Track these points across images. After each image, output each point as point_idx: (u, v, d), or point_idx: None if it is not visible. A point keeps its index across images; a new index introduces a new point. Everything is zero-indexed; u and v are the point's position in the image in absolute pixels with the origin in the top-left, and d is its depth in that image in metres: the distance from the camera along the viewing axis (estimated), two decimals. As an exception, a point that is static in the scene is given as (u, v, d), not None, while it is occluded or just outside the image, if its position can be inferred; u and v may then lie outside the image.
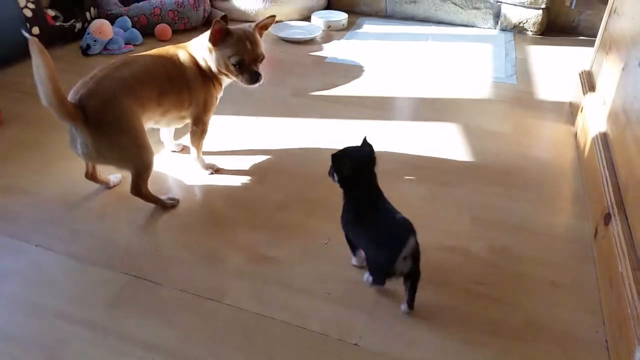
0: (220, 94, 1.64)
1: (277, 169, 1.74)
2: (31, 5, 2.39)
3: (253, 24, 1.52)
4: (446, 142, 1.90)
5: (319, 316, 1.19)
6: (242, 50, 1.48)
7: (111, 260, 1.34)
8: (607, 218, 1.33)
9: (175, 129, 1.78)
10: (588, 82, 2.01)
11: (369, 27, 3.09)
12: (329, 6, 3.30)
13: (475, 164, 1.79)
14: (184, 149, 1.80)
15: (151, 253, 1.37)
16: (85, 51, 2.53)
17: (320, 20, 3.02)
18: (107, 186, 1.60)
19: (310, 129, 1.98)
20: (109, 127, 1.35)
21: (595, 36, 2.07)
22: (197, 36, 1.56)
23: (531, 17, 2.94)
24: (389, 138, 1.93)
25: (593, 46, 2.08)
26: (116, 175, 1.62)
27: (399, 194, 1.59)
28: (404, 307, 1.20)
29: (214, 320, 1.18)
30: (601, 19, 2.03)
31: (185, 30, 2.82)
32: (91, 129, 1.33)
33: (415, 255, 1.13)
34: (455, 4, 3.07)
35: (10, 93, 2.15)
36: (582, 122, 1.89)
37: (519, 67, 2.55)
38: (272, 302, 1.22)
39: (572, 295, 1.27)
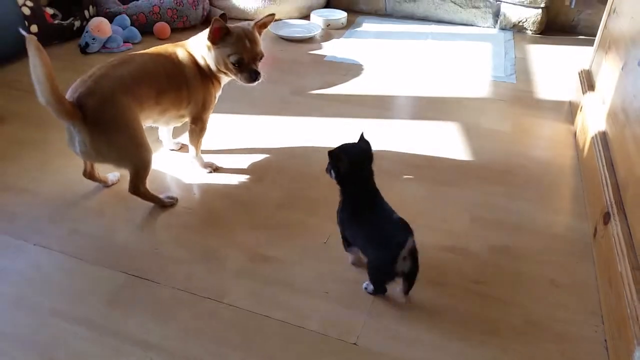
0: (219, 93, 1.64)
1: (276, 167, 1.73)
2: (29, 3, 2.38)
3: (252, 23, 1.52)
4: (445, 141, 1.90)
5: (318, 316, 1.19)
6: (242, 49, 1.47)
7: (109, 259, 1.33)
8: (607, 217, 1.33)
9: (174, 127, 1.77)
10: (587, 81, 2.01)
11: (368, 25, 3.09)
12: (328, 5, 3.29)
13: (474, 163, 1.78)
14: (183, 148, 1.79)
15: (150, 252, 1.36)
16: (84, 49, 2.52)
17: (319, 18, 3.01)
18: (106, 185, 1.59)
19: (309, 128, 1.98)
20: (107, 126, 1.34)
21: (595, 35, 2.07)
22: (196, 34, 1.56)
23: (530, 16, 2.94)
24: (388, 137, 1.92)
25: (592, 45, 2.08)
26: (114, 174, 1.61)
27: (398, 193, 1.59)
28: (398, 289, 1.19)
29: (212, 320, 1.17)
30: (600, 19, 2.03)
31: (184, 28, 2.81)
32: (89, 127, 1.32)
33: (414, 255, 1.13)
34: (455, 3, 3.07)
35: (8, 91, 2.14)
36: (581, 121, 1.89)
37: (519, 66, 2.55)
38: (271, 301, 1.22)
39: (571, 294, 1.26)
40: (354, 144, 1.24)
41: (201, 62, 1.53)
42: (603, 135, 1.62)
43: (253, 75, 1.51)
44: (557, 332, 1.16)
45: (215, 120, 1.72)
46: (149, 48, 1.56)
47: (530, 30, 2.98)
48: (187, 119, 1.62)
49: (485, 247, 1.40)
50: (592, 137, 1.67)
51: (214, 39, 1.46)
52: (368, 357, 1.10)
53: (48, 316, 1.17)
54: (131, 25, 2.70)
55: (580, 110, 1.94)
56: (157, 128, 1.76)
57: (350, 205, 1.24)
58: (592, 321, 1.19)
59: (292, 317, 1.18)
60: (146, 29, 2.74)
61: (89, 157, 1.43)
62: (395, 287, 1.20)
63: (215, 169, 1.70)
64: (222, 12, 2.90)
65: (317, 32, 2.87)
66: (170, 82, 1.49)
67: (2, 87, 2.17)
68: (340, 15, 3.06)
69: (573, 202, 1.61)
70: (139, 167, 1.44)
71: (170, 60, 1.51)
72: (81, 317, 1.17)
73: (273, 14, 1.56)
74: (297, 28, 2.94)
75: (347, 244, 1.29)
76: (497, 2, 2.98)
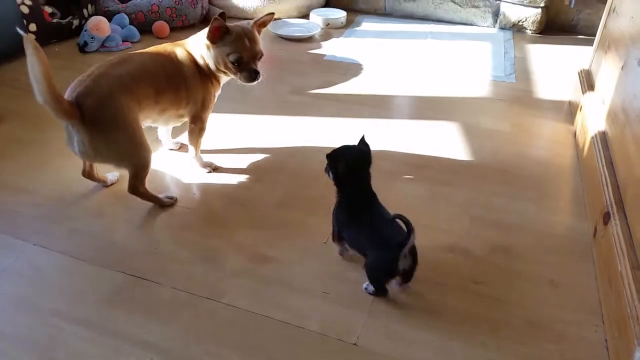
0: (218, 92, 1.63)
1: (276, 167, 1.73)
2: (28, 2, 2.37)
3: (252, 22, 1.52)
4: (445, 141, 1.90)
5: (318, 316, 1.18)
6: (241, 48, 1.47)
7: (108, 258, 1.33)
8: (606, 217, 1.33)
9: (173, 127, 1.77)
10: (587, 81, 2.01)
11: (368, 25, 3.08)
12: (327, 4, 3.29)
13: (474, 163, 1.78)
14: (182, 147, 1.79)
15: (149, 252, 1.36)
16: (83, 48, 2.52)
17: (319, 17, 3.01)
18: (105, 184, 1.59)
19: (309, 127, 1.97)
20: (106, 125, 1.34)
21: (595, 35, 2.06)
22: (195, 33, 1.56)
23: (530, 15, 2.94)
24: (388, 136, 1.92)
25: (592, 45, 2.08)
26: (114, 174, 1.61)
27: (397, 193, 1.59)
28: (393, 282, 1.20)
29: (212, 320, 1.17)
30: (600, 18, 2.03)
31: (183, 27, 2.81)
32: (88, 127, 1.32)
33: (413, 251, 1.15)
34: (455, 3, 3.06)
35: (7, 90, 2.14)
36: (581, 121, 1.89)
37: (518, 66, 2.55)
38: (270, 301, 1.22)
39: (571, 294, 1.26)
40: (353, 146, 1.25)
41: (200, 61, 1.53)
42: (603, 135, 1.62)
43: (252, 75, 1.51)
44: (557, 332, 1.16)
45: (214, 120, 1.72)
46: (148, 47, 1.55)
47: (530, 29, 2.97)
48: (186, 119, 1.62)
49: (485, 247, 1.40)
50: (592, 137, 1.67)
51: (213, 38, 1.46)
52: (368, 357, 1.10)
53: (47, 316, 1.17)
54: (130, 24, 2.70)
55: (580, 110, 1.94)
56: (156, 128, 1.76)
57: (347, 206, 1.24)
58: (592, 321, 1.19)
59: (292, 317, 1.18)
60: (145, 27, 2.73)
61: (88, 156, 1.43)
62: (391, 282, 1.21)
63: (215, 169, 1.70)
64: (221, 10, 2.88)
65: (316, 31, 2.87)
66: (169, 82, 1.49)
67: (1, 86, 2.17)
68: (339, 14, 3.05)
69: (573, 202, 1.61)
70: (138, 166, 1.44)
71: (170, 60, 1.50)
72: (80, 317, 1.17)
73: (272, 13, 1.56)
74: (297, 27, 2.93)
75: (338, 236, 1.30)
76: (497, 2, 2.98)
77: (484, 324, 1.17)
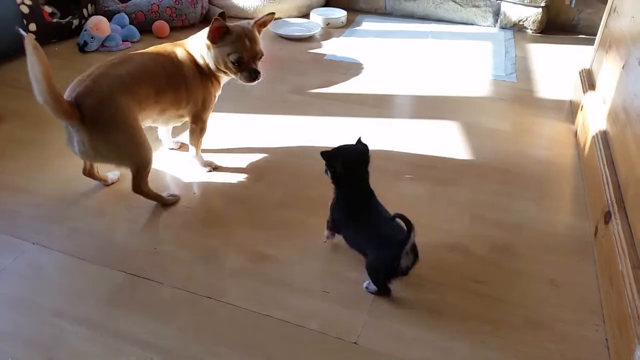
0: (219, 92, 1.63)
1: (276, 166, 1.73)
2: (28, 2, 2.37)
3: (252, 22, 1.51)
4: (446, 140, 1.90)
5: (318, 315, 1.18)
6: (241, 48, 1.47)
7: (109, 258, 1.33)
8: (607, 216, 1.32)
9: (173, 126, 1.77)
10: (588, 81, 2.01)
11: (368, 24, 3.08)
12: (327, 3, 3.29)
13: (474, 162, 1.78)
14: (182, 147, 1.79)
15: (149, 251, 1.36)
16: (83, 48, 2.52)
17: (319, 17, 3.00)
18: (106, 184, 1.59)
19: (309, 127, 1.97)
20: (106, 125, 1.34)
21: (595, 35, 2.06)
22: (195, 33, 1.55)
23: (531, 15, 2.94)
24: (388, 136, 1.92)
25: (593, 44, 2.07)
26: (114, 173, 1.61)
27: (398, 193, 1.59)
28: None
29: (212, 319, 1.17)
30: (601, 18, 2.02)
31: (183, 27, 2.81)
32: (88, 127, 1.31)
33: (414, 248, 1.15)
34: (455, 2, 3.06)
35: (7, 89, 2.14)
36: (582, 120, 1.89)
37: (519, 65, 2.55)
38: (270, 300, 1.22)
39: (572, 294, 1.26)
40: (351, 145, 1.26)
41: (200, 61, 1.52)
42: (604, 135, 1.62)
43: (253, 75, 1.51)
44: (558, 332, 1.16)
45: (214, 119, 1.72)
46: (148, 47, 1.55)
47: (531, 29, 2.97)
48: (186, 119, 1.62)
49: (486, 247, 1.40)
50: (593, 136, 1.66)
51: (213, 38, 1.46)
52: (368, 357, 1.10)
53: (48, 315, 1.17)
54: (130, 23, 2.70)
55: (581, 110, 1.93)
56: (156, 127, 1.76)
57: (345, 205, 1.25)
58: (593, 320, 1.19)
59: (292, 317, 1.17)
60: (145, 27, 2.73)
61: (88, 156, 1.43)
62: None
63: (215, 168, 1.70)
64: (221, 10, 2.88)
65: (316, 30, 2.87)
66: (169, 82, 1.48)
67: (1, 86, 2.17)
68: (340, 14, 3.05)
69: (574, 201, 1.61)
70: (139, 165, 1.43)
71: (170, 60, 1.50)
72: (81, 316, 1.17)
73: (273, 13, 1.56)
74: (297, 27, 2.93)
75: (333, 225, 1.31)
76: (497, 1, 2.98)
77: (485, 323, 1.17)
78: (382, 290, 1.21)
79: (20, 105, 2.00)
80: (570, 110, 2.13)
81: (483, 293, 1.25)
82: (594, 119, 1.74)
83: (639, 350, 0.97)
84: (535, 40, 2.88)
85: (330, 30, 2.96)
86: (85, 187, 1.58)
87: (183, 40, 1.56)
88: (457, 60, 2.60)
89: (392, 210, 1.20)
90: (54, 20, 2.56)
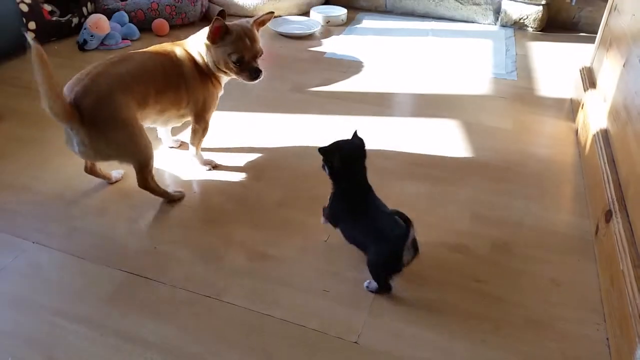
0: (220, 92, 1.62)
1: (276, 165, 1.72)
2: (27, 0, 2.37)
3: (251, 20, 1.51)
4: (446, 139, 1.89)
5: (318, 314, 1.18)
6: (242, 48, 1.46)
7: (109, 257, 1.33)
8: (608, 215, 1.32)
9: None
10: (589, 79, 2.00)
11: (368, 22, 3.08)
12: (328, 1, 3.28)
13: (475, 161, 1.78)
14: (182, 145, 1.79)
15: (149, 250, 1.36)
16: (82, 46, 2.51)
17: (319, 15, 3.00)
18: (110, 181, 1.59)
19: (309, 125, 1.97)
20: (105, 124, 1.33)
21: (596, 33, 2.06)
22: (194, 31, 1.55)
23: (531, 13, 2.93)
24: (389, 134, 1.92)
25: (593, 43, 2.07)
26: (119, 171, 1.60)
27: (398, 191, 1.59)
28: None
29: (212, 318, 1.17)
30: (601, 16, 2.02)
31: (182, 25, 2.80)
32: (87, 127, 1.31)
33: (414, 243, 1.15)
34: (456, 0, 3.05)
35: (7, 88, 2.13)
36: (583, 118, 1.88)
37: (520, 63, 2.54)
38: (270, 299, 1.22)
39: (572, 292, 1.26)
40: (347, 140, 1.27)
41: (200, 61, 1.52)
42: (605, 133, 1.61)
43: (254, 74, 1.51)
44: (559, 331, 1.16)
45: (214, 118, 1.71)
46: (147, 45, 1.55)
47: (531, 27, 2.97)
48: (187, 119, 1.61)
49: (486, 245, 1.39)
50: (594, 135, 1.66)
51: (214, 39, 1.45)
52: (369, 356, 1.09)
53: (48, 314, 1.17)
54: (129, 22, 2.69)
55: (582, 108, 1.93)
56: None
57: (343, 200, 1.25)
58: (594, 319, 1.19)
59: (292, 316, 1.17)
60: (144, 25, 2.73)
61: (88, 156, 1.42)
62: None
63: (215, 167, 1.69)
64: (221, 8, 2.87)
65: (316, 28, 2.86)
66: (169, 81, 1.48)
67: (1, 85, 2.16)
68: (340, 11, 3.05)
69: (574, 200, 1.61)
70: (142, 162, 1.43)
71: (169, 59, 1.49)
72: (81, 315, 1.17)
73: (272, 12, 1.56)
74: (297, 25, 2.92)
75: (330, 220, 1.31)
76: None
77: (485, 322, 1.17)
78: (383, 287, 1.21)
79: (20, 104, 2.00)
80: (571, 108, 2.13)
81: (483, 292, 1.25)
82: (594, 117, 1.73)
83: (640, 349, 0.97)
84: (536, 38, 2.88)
85: (331, 28, 2.96)
86: (86, 186, 1.57)
87: (182, 40, 1.56)
88: (457, 58, 2.60)
89: (392, 208, 1.20)
90: (54, 18, 2.56)
